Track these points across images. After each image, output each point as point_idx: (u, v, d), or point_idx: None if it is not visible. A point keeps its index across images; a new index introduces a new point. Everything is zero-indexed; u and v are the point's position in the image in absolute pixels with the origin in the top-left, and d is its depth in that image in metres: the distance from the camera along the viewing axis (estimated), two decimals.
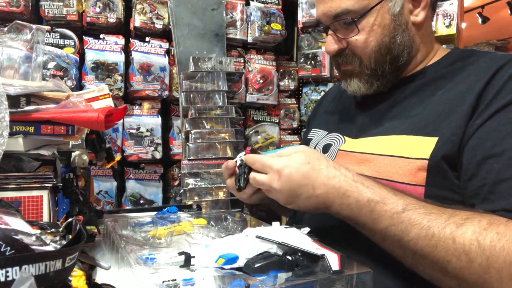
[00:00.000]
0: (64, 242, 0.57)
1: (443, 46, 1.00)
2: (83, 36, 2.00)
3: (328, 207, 0.76)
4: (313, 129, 1.12)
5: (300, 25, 2.44)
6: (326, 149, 0.99)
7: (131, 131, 2.08)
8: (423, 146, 0.79)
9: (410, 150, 0.80)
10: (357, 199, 0.73)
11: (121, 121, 2.05)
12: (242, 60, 2.33)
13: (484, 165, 0.72)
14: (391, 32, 0.88)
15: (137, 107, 2.11)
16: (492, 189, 0.70)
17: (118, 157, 1.98)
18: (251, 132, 2.39)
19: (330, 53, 0.95)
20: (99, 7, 2.00)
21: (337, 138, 0.99)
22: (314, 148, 1.03)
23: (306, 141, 1.12)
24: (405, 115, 0.87)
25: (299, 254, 0.61)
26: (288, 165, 0.75)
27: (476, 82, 0.79)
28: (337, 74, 2.45)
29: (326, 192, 0.75)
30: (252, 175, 0.81)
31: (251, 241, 0.63)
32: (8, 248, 0.41)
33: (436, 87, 0.87)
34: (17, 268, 0.39)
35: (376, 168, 0.84)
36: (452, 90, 0.83)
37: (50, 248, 0.50)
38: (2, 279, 0.38)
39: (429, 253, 0.67)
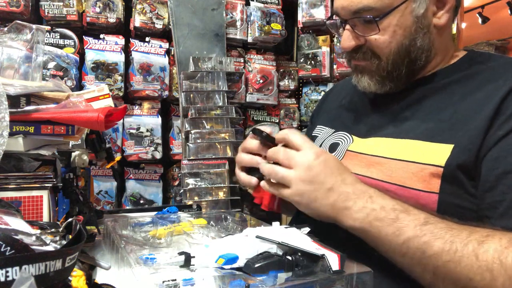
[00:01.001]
0: (64, 242, 0.57)
1: None
2: (83, 36, 2.00)
3: (348, 208, 0.73)
4: (318, 126, 1.08)
5: (300, 25, 2.45)
6: (333, 148, 0.96)
7: (131, 131, 2.08)
8: (437, 153, 0.77)
9: (424, 156, 0.78)
10: (382, 204, 0.72)
11: (121, 121, 2.05)
12: (242, 60, 2.34)
13: (504, 179, 0.71)
14: (412, 34, 0.84)
15: (137, 107, 2.11)
16: None
17: (118, 157, 1.98)
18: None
19: (346, 49, 0.89)
20: (99, 7, 2.00)
21: (345, 137, 0.96)
22: (320, 146, 1.00)
23: (310, 138, 1.09)
24: (419, 119, 0.85)
25: (299, 254, 0.61)
26: (325, 152, 0.76)
27: (495, 91, 0.77)
28: (337, 75, 2.46)
29: (352, 192, 0.73)
30: (284, 149, 0.77)
31: (251, 241, 0.63)
32: (8, 248, 0.41)
33: (453, 92, 0.84)
34: (17, 268, 0.39)
35: (388, 172, 0.81)
36: (469, 96, 0.81)
37: (50, 248, 0.50)
38: (2, 279, 0.38)
39: (452, 269, 0.65)
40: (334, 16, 0.92)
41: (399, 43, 0.84)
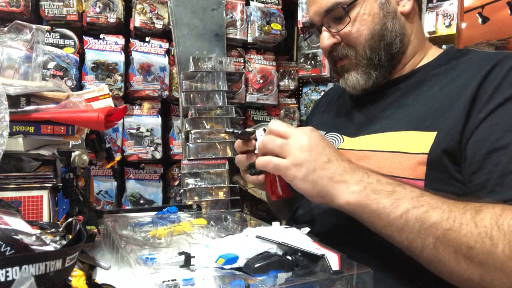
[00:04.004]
0: (64, 242, 0.57)
1: (443, 46, 1.01)
2: (83, 36, 2.00)
3: (345, 182, 0.72)
4: None
5: (300, 25, 2.44)
6: None
7: (131, 131, 2.08)
8: (422, 141, 0.79)
9: (409, 145, 0.81)
10: (378, 178, 0.72)
11: (121, 121, 2.05)
12: (242, 60, 2.33)
13: (490, 158, 0.72)
14: (381, 19, 0.91)
15: (137, 107, 2.11)
16: (500, 181, 0.70)
17: (118, 157, 1.98)
18: None
19: (325, 48, 0.96)
20: (99, 7, 2.00)
21: (336, 138, 0.99)
22: None
23: None
24: (402, 112, 0.88)
25: (299, 254, 0.61)
26: (314, 129, 0.78)
27: (472, 78, 0.80)
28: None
29: (348, 166, 0.74)
30: (271, 137, 0.77)
31: (251, 241, 0.63)
32: (8, 248, 0.41)
33: (432, 84, 0.88)
34: (17, 268, 0.39)
35: (376, 164, 0.84)
36: (448, 86, 0.84)
37: (50, 248, 0.50)
38: (2, 279, 0.38)
39: (452, 237, 0.64)
40: (312, 26, 0.99)
41: (371, 29, 0.91)
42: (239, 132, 0.85)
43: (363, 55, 0.92)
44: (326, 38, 0.95)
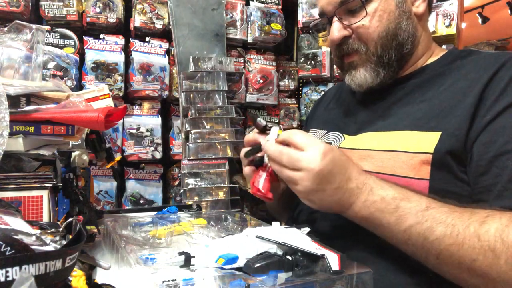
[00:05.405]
0: (64, 242, 0.57)
1: (443, 46, 1.01)
2: (83, 36, 2.00)
3: (351, 204, 0.74)
4: (311, 129, 1.11)
5: (300, 25, 2.44)
6: None
7: (131, 131, 2.08)
8: (426, 141, 0.79)
9: (413, 145, 0.80)
10: (382, 196, 0.73)
11: (121, 121, 2.05)
12: (242, 60, 2.33)
13: (497, 161, 0.72)
14: (396, 18, 0.89)
15: (137, 107, 2.11)
16: (507, 186, 0.70)
17: (118, 157, 1.98)
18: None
19: (335, 41, 0.93)
20: (99, 7, 2.00)
21: (336, 136, 0.98)
22: None
23: None
24: (406, 112, 0.87)
25: (299, 254, 0.61)
26: (332, 149, 0.74)
27: (477, 79, 0.80)
28: (337, 75, 2.46)
29: (356, 187, 0.74)
30: (288, 152, 0.75)
31: (251, 241, 0.63)
32: (8, 248, 0.41)
33: (436, 84, 0.87)
34: (17, 268, 0.39)
35: (379, 164, 0.83)
36: (453, 86, 0.84)
37: (50, 248, 0.50)
38: (2, 279, 0.38)
39: (455, 252, 0.66)
40: (321, 16, 0.96)
41: (385, 27, 0.89)
42: (265, 123, 0.84)
43: (373, 52, 0.90)
44: (337, 30, 0.91)
